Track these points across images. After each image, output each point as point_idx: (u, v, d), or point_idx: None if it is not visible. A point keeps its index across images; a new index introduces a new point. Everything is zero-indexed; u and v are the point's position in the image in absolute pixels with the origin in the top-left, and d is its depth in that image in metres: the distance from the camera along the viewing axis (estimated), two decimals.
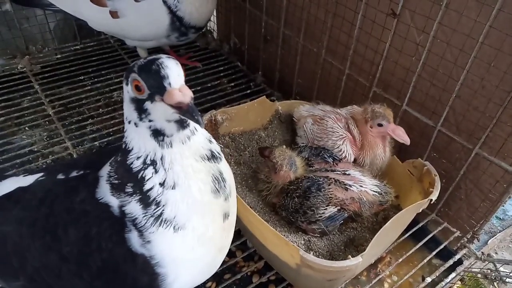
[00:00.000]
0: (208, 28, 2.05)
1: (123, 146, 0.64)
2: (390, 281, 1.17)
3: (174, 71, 0.55)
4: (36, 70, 1.73)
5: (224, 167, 0.68)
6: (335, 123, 1.15)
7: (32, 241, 0.68)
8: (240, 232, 1.16)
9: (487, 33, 0.94)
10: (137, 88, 0.57)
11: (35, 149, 1.42)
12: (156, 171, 0.61)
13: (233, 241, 1.17)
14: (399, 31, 1.14)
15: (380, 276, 1.12)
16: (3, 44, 1.74)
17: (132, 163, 0.62)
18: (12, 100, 1.58)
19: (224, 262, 1.13)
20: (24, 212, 0.71)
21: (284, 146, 1.06)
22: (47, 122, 1.53)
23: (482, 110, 1.03)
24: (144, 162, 0.61)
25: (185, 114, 0.54)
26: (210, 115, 1.17)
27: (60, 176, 0.73)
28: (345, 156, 1.11)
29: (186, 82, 2.00)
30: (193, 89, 1.94)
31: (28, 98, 1.60)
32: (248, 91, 1.72)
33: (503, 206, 1.25)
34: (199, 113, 0.55)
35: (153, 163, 0.61)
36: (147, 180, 0.61)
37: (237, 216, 1.01)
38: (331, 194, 0.98)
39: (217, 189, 0.65)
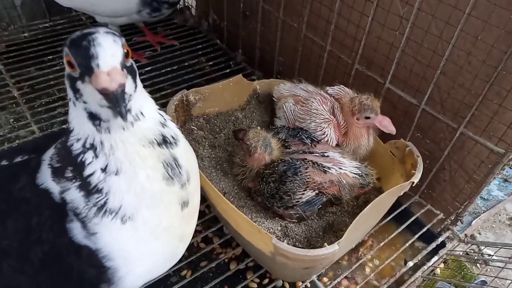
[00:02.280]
0: (186, 4, 1.95)
1: (67, 125, 0.58)
2: (372, 265, 1.14)
3: (106, 50, 0.48)
4: (0, 49, 1.62)
5: (181, 151, 0.62)
6: (320, 105, 1.09)
7: None
8: (217, 218, 1.12)
9: (475, 3, 0.88)
10: (70, 64, 0.50)
11: (0, 134, 1.34)
12: (96, 156, 0.55)
13: (209, 227, 1.13)
14: (382, 3, 1.07)
15: (361, 261, 1.08)
16: None
17: (72, 145, 0.56)
18: None
19: (200, 249, 1.09)
20: None
21: (259, 127, 1.00)
22: (13, 105, 1.44)
23: (467, 87, 0.97)
24: (84, 145, 0.56)
25: (110, 103, 0.48)
26: (182, 95, 1.10)
27: (4, 163, 0.66)
28: (328, 140, 1.06)
29: (163, 61, 1.88)
30: (169, 69, 1.83)
31: None
32: (228, 70, 1.64)
33: (488, 186, 1.22)
34: (125, 104, 0.48)
35: (93, 147, 0.55)
36: (87, 164, 0.55)
37: (211, 203, 0.96)
38: (308, 178, 0.92)
39: (170, 176, 0.59)
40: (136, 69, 0.55)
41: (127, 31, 1.76)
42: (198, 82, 1.56)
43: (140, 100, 0.56)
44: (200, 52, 1.74)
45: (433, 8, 0.96)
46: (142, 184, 0.57)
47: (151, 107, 0.60)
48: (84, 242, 0.57)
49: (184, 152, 0.63)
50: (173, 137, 0.61)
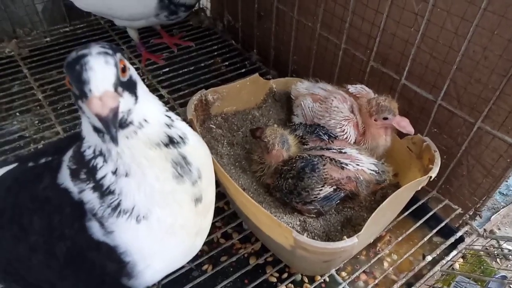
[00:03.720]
0: (201, 6, 1.99)
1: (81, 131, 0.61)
2: (390, 260, 1.15)
3: (98, 74, 0.49)
4: (24, 54, 1.68)
5: (190, 149, 0.63)
6: (341, 104, 1.10)
7: (2, 232, 0.66)
8: (236, 214, 1.14)
9: None
10: (70, 84, 0.52)
11: (26, 135, 1.40)
12: (106, 161, 0.58)
13: (229, 223, 1.16)
14: (396, 0, 1.07)
15: (379, 255, 1.09)
16: None
17: (85, 151, 0.59)
18: (1, 85, 1.54)
19: (220, 244, 1.11)
20: None
21: (276, 125, 1.02)
22: (38, 107, 1.49)
23: (484, 82, 0.98)
24: (94, 152, 0.58)
25: (103, 126, 0.49)
26: (201, 94, 1.13)
27: (30, 164, 0.70)
28: (346, 138, 1.08)
29: (180, 62, 1.93)
30: (186, 69, 1.87)
31: (17, 83, 1.56)
32: (243, 70, 1.67)
33: (507, 181, 1.21)
34: (115, 129, 0.49)
35: (101, 154, 0.58)
36: (99, 168, 0.58)
37: (231, 199, 0.98)
38: (326, 174, 0.94)
39: (180, 174, 0.61)
40: (137, 80, 0.57)
41: (144, 34, 1.80)
42: (214, 82, 1.59)
43: (143, 108, 0.57)
44: (215, 53, 1.77)
45: (448, 4, 0.97)
46: (152, 185, 0.59)
47: (157, 111, 0.61)
48: (103, 239, 0.60)
49: (194, 149, 0.64)
50: (180, 137, 0.62)
